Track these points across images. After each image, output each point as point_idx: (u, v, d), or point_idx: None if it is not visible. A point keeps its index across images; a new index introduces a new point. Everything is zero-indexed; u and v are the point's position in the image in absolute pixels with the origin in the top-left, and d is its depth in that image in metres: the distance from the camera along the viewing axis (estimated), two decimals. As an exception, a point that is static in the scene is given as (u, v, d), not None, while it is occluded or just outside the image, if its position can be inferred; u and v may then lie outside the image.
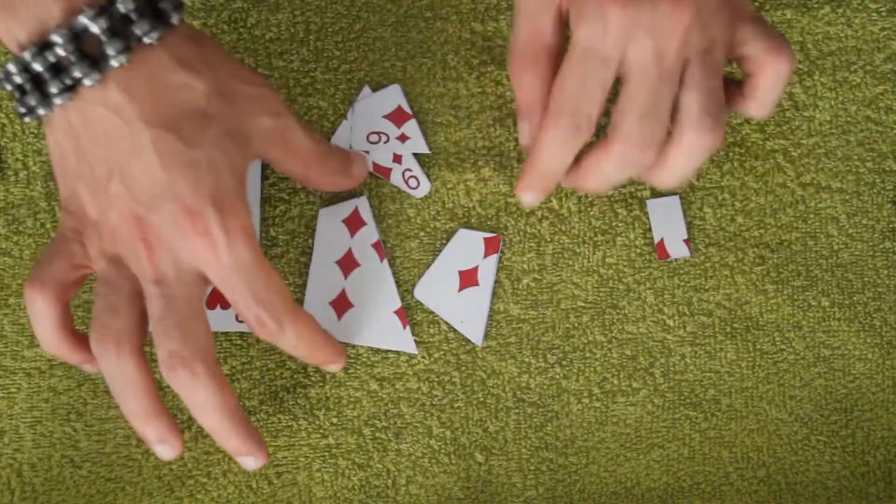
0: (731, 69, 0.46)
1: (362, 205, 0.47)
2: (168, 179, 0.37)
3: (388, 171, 0.47)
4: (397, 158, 0.47)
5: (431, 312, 0.47)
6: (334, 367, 0.45)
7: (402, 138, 0.47)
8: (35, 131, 0.47)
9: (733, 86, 0.42)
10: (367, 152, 0.47)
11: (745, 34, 0.39)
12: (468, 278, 0.47)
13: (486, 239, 0.47)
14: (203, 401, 0.39)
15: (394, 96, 0.47)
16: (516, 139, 0.47)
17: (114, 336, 0.39)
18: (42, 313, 0.40)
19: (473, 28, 0.48)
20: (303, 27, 0.48)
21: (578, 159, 0.41)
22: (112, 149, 0.37)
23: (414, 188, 0.47)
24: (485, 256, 0.47)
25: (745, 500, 0.47)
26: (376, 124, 0.47)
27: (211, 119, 0.38)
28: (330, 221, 0.47)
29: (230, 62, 0.40)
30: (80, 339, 0.41)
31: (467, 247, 0.47)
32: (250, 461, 0.41)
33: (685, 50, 0.38)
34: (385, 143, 0.47)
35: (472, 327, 0.46)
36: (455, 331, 0.47)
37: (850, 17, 0.48)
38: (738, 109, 0.42)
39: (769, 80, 0.40)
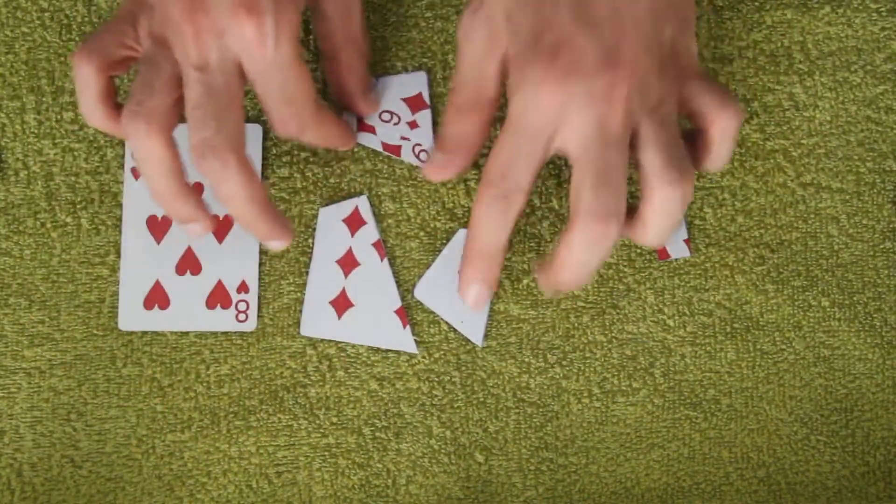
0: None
1: (362, 204, 0.47)
2: None
3: (397, 149, 0.47)
4: (405, 137, 0.47)
5: (431, 312, 0.47)
6: (346, 145, 0.46)
7: (413, 125, 0.47)
8: (35, 131, 0.47)
9: (687, 145, 0.41)
10: (374, 130, 0.47)
11: (692, 90, 0.40)
12: None
13: None
14: (232, 191, 0.39)
15: (418, 82, 0.47)
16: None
17: (145, 114, 0.39)
18: (87, 83, 0.40)
19: (473, 28, 0.48)
20: (303, 27, 0.48)
21: (549, 261, 0.41)
22: None
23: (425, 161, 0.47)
24: None
25: (745, 500, 0.47)
26: (392, 104, 0.47)
27: None
28: (330, 221, 0.47)
29: None
30: (115, 110, 0.42)
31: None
32: (275, 244, 0.42)
33: (630, 116, 0.38)
34: (395, 124, 0.47)
35: (472, 327, 0.46)
36: (455, 331, 0.47)
37: (850, 17, 0.48)
38: (696, 167, 0.42)
39: (719, 133, 0.40)
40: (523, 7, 0.39)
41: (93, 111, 0.41)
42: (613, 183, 0.38)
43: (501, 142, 0.39)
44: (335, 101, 0.46)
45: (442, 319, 0.47)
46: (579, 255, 0.39)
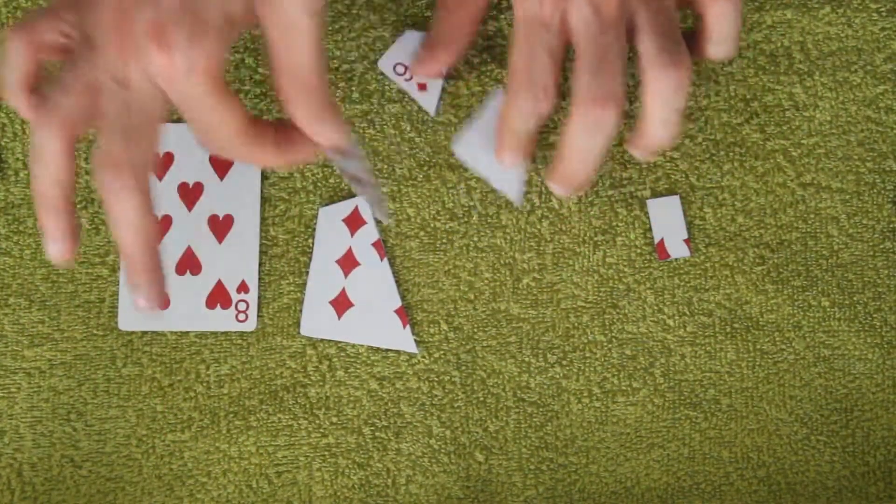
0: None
1: (362, 204, 0.47)
2: None
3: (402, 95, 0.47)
4: (422, 86, 0.47)
5: (431, 312, 0.47)
6: (306, 155, 0.41)
7: (422, 87, 0.47)
8: (35, 131, 0.47)
9: (690, 36, 0.42)
10: (382, 73, 0.47)
11: None
12: None
13: None
14: (122, 213, 0.37)
15: None
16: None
17: (52, 110, 0.37)
18: (15, 58, 0.39)
19: (473, 28, 0.48)
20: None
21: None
22: None
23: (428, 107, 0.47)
24: None
25: (745, 500, 0.47)
26: (410, 60, 0.47)
27: None
28: (330, 221, 0.47)
29: None
30: (35, 99, 0.39)
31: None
32: (142, 300, 0.39)
33: (625, 0, 0.39)
34: (407, 80, 0.47)
35: (512, 190, 0.46)
36: (455, 330, 0.47)
37: (850, 17, 0.48)
38: (701, 56, 0.42)
39: (719, 14, 0.40)
40: None
41: (13, 89, 0.39)
42: (610, 66, 0.39)
43: (516, 46, 0.40)
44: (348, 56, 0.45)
45: (481, 176, 0.46)
46: (581, 141, 0.40)
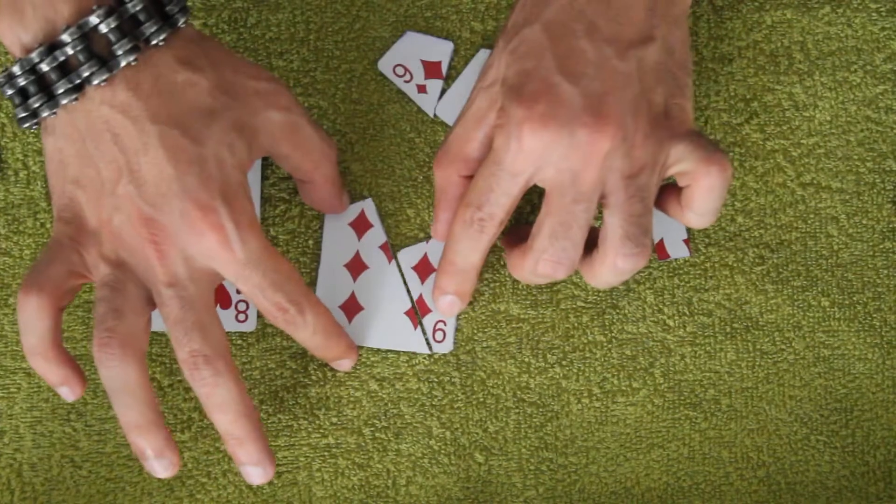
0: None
1: (368, 207, 0.47)
2: (176, 174, 0.37)
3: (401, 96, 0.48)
4: (421, 88, 0.47)
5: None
6: (346, 364, 0.45)
7: (421, 89, 0.47)
8: (35, 131, 0.47)
9: (673, 195, 0.42)
10: (382, 74, 0.47)
11: (679, 152, 0.40)
12: None
13: None
14: (225, 400, 0.39)
15: (442, 50, 0.47)
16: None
17: (119, 339, 0.38)
18: (34, 318, 0.39)
19: (473, 27, 0.48)
20: (303, 27, 0.48)
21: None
22: (119, 148, 0.37)
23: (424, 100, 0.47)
24: None
25: (745, 500, 0.47)
26: (410, 61, 0.47)
27: (216, 114, 0.38)
28: (336, 225, 0.47)
29: (234, 59, 0.40)
30: (67, 356, 0.40)
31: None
32: (259, 473, 0.41)
33: (604, 176, 0.39)
34: (406, 81, 0.47)
35: None
36: (455, 330, 0.47)
37: (850, 17, 0.48)
38: (678, 219, 0.42)
39: (704, 191, 0.40)
40: (513, 62, 0.40)
41: (39, 348, 0.39)
42: (571, 236, 0.40)
43: (483, 171, 0.41)
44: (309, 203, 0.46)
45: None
46: (525, 272, 0.42)
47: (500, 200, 0.40)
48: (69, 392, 0.40)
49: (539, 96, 0.38)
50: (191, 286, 0.38)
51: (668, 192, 0.42)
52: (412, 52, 0.47)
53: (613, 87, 0.38)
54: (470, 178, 0.42)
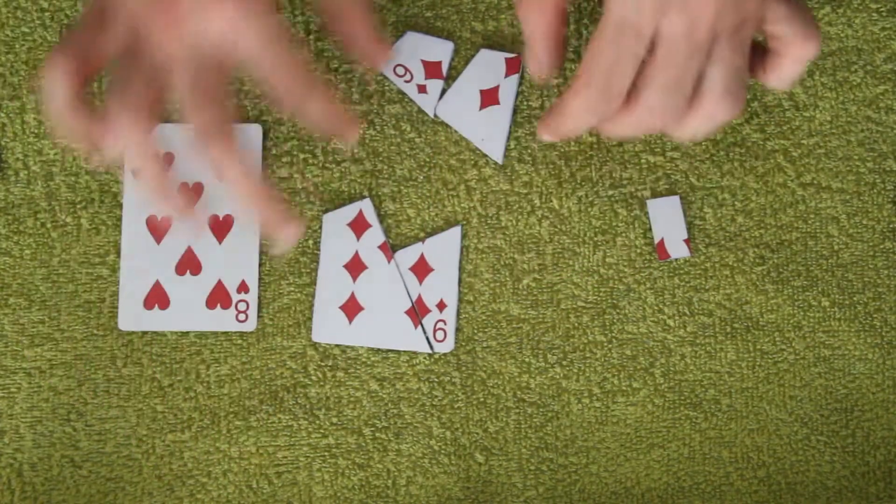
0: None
1: (366, 207, 0.47)
2: None
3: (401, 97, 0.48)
4: (422, 88, 0.47)
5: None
6: (351, 136, 0.43)
7: (422, 89, 0.47)
8: (35, 131, 0.47)
9: (757, 54, 0.42)
10: (382, 75, 0.47)
11: (777, 13, 0.39)
12: (489, 97, 0.47)
13: (507, 59, 0.47)
14: (240, 171, 0.39)
15: (443, 50, 0.47)
16: (516, 138, 0.47)
17: (132, 104, 0.38)
18: (65, 81, 0.39)
19: (474, 27, 0.48)
20: (303, 27, 0.48)
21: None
22: None
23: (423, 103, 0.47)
24: (506, 76, 0.47)
25: (745, 500, 0.47)
26: (410, 61, 0.47)
27: None
28: (335, 226, 0.47)
29: None
30: (95, 116, 0.40)
31: (489, 66, 0.47)
32: (287, 235, 0.40)
33: (716, 25, 0.38)
34: (406, 81, 0.47)
35: (492, 145, 0.47)
36: (456, 331, 0.47)
37: (850, 17, 0.48)
38: (758, 79, 0.42)
39: (794, 61, 0.40)
40: None
41: (70, 110, 0.40)
42: (684, 88, 0.39)
43: (604, 43, 0.39)
44: (348, 57, 0.45)
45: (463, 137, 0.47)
46: (626, 129, 0.40)
47: (628, 69, 0.39)
48: (98, 152, 0.40)
49: None
50: (204, 59, 0.38)
51: (752, 49, 0.42)
52: (413, 52, 0.47)
53: None
54: (558, 13, 0.41)
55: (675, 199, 0.47)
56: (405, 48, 0.47)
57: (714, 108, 0.40)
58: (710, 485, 0.47)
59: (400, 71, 0.47)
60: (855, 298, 0.48)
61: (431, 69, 0.47)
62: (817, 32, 0.40)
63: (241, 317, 0.46)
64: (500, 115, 0.47)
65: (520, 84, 0.47)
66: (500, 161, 0.47)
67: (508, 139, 0.47)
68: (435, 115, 0.47)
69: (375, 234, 0.47)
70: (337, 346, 0.47)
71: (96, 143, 0.40)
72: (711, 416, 0.47)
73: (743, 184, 0.48)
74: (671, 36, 0.38)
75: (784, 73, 0.41)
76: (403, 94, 0.47)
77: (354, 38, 0.43)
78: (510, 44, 0.48)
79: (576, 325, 0.47)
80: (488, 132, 0.47)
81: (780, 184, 0.48)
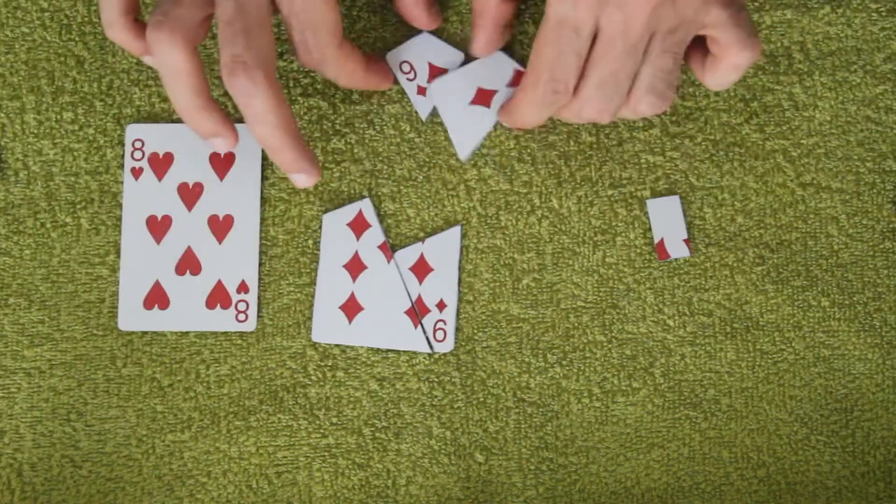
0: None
1: (366, 207, 0.47)
2: None
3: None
4: (421, 90, 0.47)
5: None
6: (385, 85, 0.46)
7: (421, 91, 0.47)
8: (35, 131, 0.47)
9: (698, 52, 0.42)
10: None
11: (716, 18, 0.40)
12: (483, 97, 0.47)
13: (516, 70, 0.47)
14: (261, 110, 0.39)
15: (452, 59, 0.47)
16: (516, 138, 0.47)
17: (170, 24, 0.39)
18: (168, 54, 0.39)
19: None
20: None
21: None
22: None
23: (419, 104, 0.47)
24: (508, 85, 0.47)
25: (745, 500, 0.47)
26: (418, 61, 0.47)
27: None
28: (335, 226, 0.47)
29: None
30: (141, 29, 0.41)
31: (497, 69, 0.47)
32: (302, 178, 0.42)
33: (652, 25, 0.39)
34: (409, 79, 0.47)
35: (463, 141, 0.47)
36: (456, 331, 0.47)
37: (850, 17, 0.48)
38: (695, 73, 0.43)
39: (729, 67, 0.41)
40: None
41: (116, 20, 0.41)
42: (619, 84, 0.40)
43: (545, 39, 0.40)
44: (399, 14, 0.46)
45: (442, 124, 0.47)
46: (564, 117, 0.42)
47: (572, 63, 0.40)
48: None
49: None
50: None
51: (695, 47, 0.43)
52: (423, 52, 0.47)
53: None
54: (506, 1, 0.43)
55: (675, 199, 0.47)
56: (417, 47, 0.47)
57: (636, 104, 0.41)
58: (710, 485, 0.47)
59: (405, 68, 0.47)
60: (855, 298, 0.48)
61: (436, 73, 0.47)
62: (755, 42, 0.40)
63: (241, 317, 0.47)
64: (484, 118, 0.47)
65: None
66: (463, 159, 0.47)
67: (480, 144, 0.47)
68: (428, 119, 0.47)
69: (375, 234, 0.47)
70: (337, 346, 0.47)
71: (139, 54, 0.42)
72: (711, 416, 0.47)
73: (743, 184, 0.48)
74: (608, 32, 0.39)
75: (719, 76, 0.42)
76: (403, 93, 0.47)
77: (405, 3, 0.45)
78: (522, 61, 0.48)
79: (575, 324, 0.47)
80: (466, 128, 0.47)
81: (779, 184, 0.48)
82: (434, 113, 0.47)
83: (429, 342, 0.47)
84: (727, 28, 0.40)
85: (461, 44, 0.48)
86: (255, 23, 0.39)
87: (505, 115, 0.45)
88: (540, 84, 0.41)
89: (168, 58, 0.39)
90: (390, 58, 0.47)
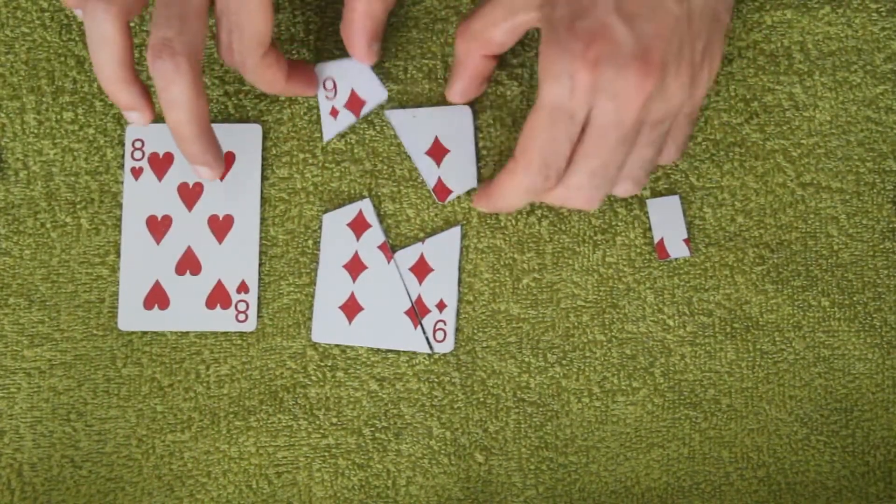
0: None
1: (366, 207, 0.47)
2: None
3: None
4: (334, 111, 0.47)
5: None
6: (308, 93, 0.46)
7: (334, 112, 0.47)
8: (35, 131, 0.47)
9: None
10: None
11: (676, 121, 0.42)
12: (437, 148, 0.47)
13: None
14: (178, 98, 0.39)
15: (375, 95, 0.46)
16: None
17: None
18: (103, 29, 0.39)
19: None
20: (303, 27, 0.48)
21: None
22: None
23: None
24: (425, 152, 0.47)
25: (745, 500, 0.47)
26: (342, 83, 0.46)
27: None
28: (335, 226, 0.47)
29: None
30: (137, 78, 0.41)
31: (458, 127, 0.47)
32: (205, 171, 0.43)
33: (642, 116, 0.39)
34: (328, 98, 0.46)
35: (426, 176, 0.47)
36: (456, 331, 0.47)
37: (850, 17, 0.48)
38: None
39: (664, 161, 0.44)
40: None
41: (116, 69, 0.41)
42: (609, 175, 0.40)
43: (539, 124, 0.39)
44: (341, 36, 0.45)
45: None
46: (548, 202, 0.42)
47: (564, 149, 0.40)
48: (139, 117, 0.42)
49: (594, 37, 0.38)
50: None
51: None
52: (351, 77, 0.46)
53: (664, 30, 0.38)
54: (488, 57, 0.43)
55: (675, 199, 0.47)
56: (348, 70, 0.47)
57: (618, 190, 0.43)
58: (710, 485, 0.47)
59: (328, 84, 0.47)
60: (855, 298, 0.48)
61: (354, 103, 0.47)
62: (681, 154, 0.44)
63: (241, 317, 0.47)
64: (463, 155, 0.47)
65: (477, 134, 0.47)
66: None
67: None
68: (328, 142, 0.47)
69: (375, 235, 0.47)
70: (337, 346, 0.47)
71: (140, 110, 0.42)
72: (711, 415, 0.47)
73: (743, 184, 0.48)
74: (601, 123, 0.39)
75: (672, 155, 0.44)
76: (403, 94, 0.47)
77: (353, 28, 0.44)
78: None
79: (575, 324, 0.47)
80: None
81: (779, 184, 0.48)
82: (341, 134, 0.47)
83: (429, 342, 0.47)
84: (679, 135, 0.42)
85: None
86: (191, 10, 0.39)
87: (484, 199, 0.44)
88: (531, 170, 0.40)
89: (101, 27, 0.39)
90: (319, 69, 0.47)
